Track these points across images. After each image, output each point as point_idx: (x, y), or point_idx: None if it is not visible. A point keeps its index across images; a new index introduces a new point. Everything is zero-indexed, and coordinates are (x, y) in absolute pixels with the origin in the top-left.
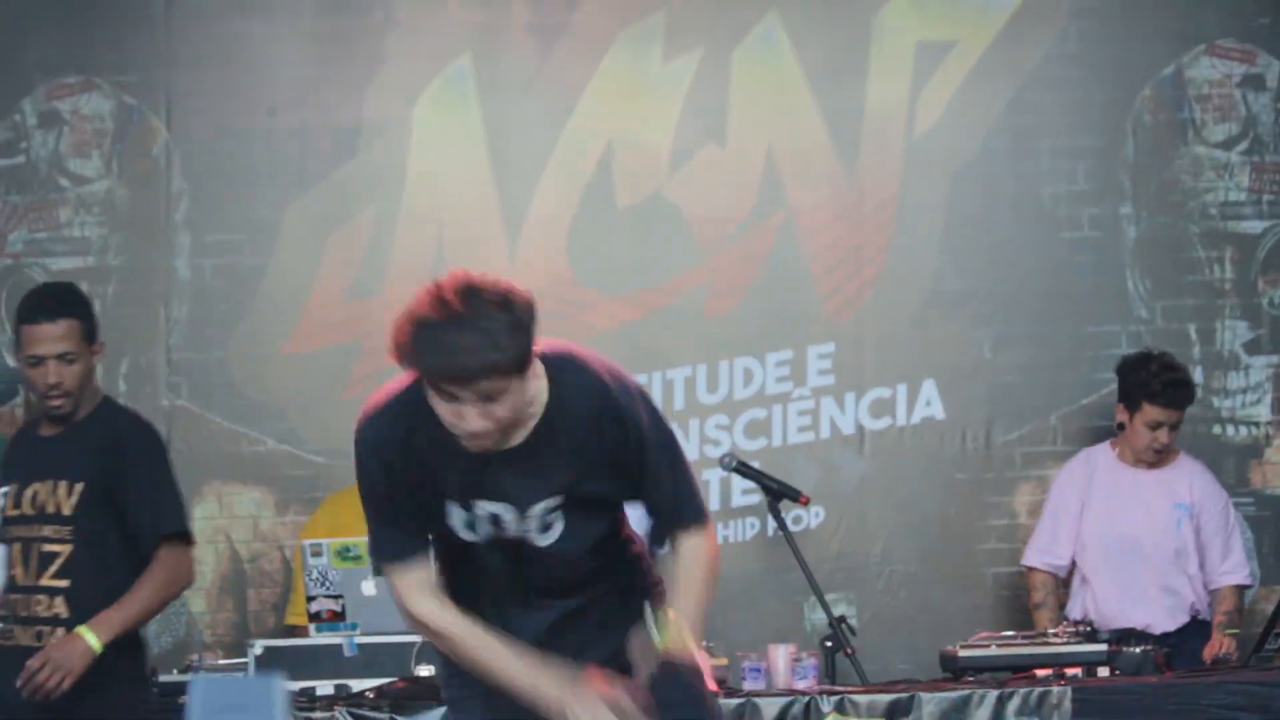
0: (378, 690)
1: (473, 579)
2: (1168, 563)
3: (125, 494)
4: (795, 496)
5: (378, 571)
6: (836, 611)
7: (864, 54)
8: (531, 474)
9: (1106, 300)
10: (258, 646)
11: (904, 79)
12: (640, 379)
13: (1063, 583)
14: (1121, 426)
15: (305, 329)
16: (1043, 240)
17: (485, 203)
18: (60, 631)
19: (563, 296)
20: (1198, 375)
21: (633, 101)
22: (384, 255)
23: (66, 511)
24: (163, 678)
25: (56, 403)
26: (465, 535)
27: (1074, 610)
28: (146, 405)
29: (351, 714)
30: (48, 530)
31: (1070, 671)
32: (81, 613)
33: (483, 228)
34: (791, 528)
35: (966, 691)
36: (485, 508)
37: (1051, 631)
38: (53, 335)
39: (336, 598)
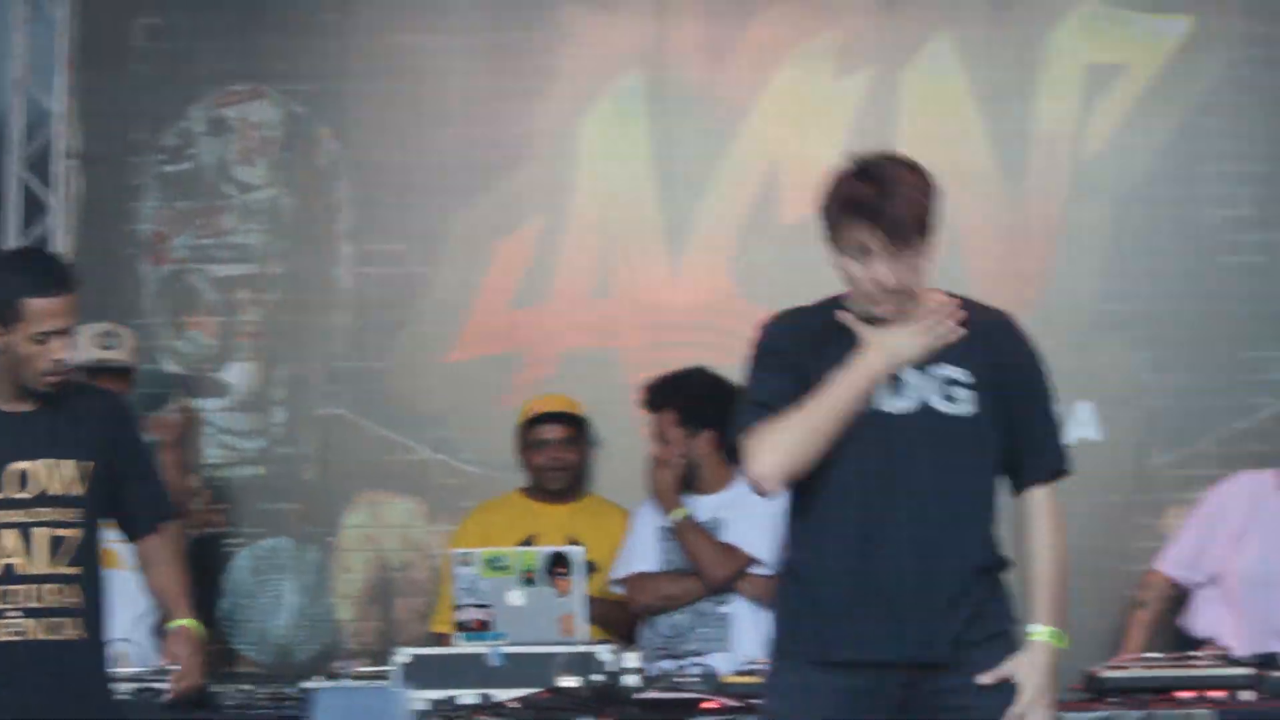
0: (522, 700)
1: None
2: None
3: (131, 475)
4: None
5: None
6: None
7: (1033, 76)
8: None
9: (1266, 326)
10: (404, 654)
11: (1073, 102)
12: None
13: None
14: None
15: (468, 339)
16: (1204, 265)
17: (650, 217)
18: (80, 621)
19: (724, 310)
20: None
21: (801, 119)
22: (548, 267)
23: (77, 492)
24: (307, 685)
25: (56, 379)
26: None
27: (1199, 627)
28: (303, 414)
29: None
30: (53, 513)
31: (1214, 694)
32: (92, 601)
33: (647, 242)
34: None
35: (1109, 712)
36: None
37: (1194, 654)
38: (66, 309)
39: (484, 607)
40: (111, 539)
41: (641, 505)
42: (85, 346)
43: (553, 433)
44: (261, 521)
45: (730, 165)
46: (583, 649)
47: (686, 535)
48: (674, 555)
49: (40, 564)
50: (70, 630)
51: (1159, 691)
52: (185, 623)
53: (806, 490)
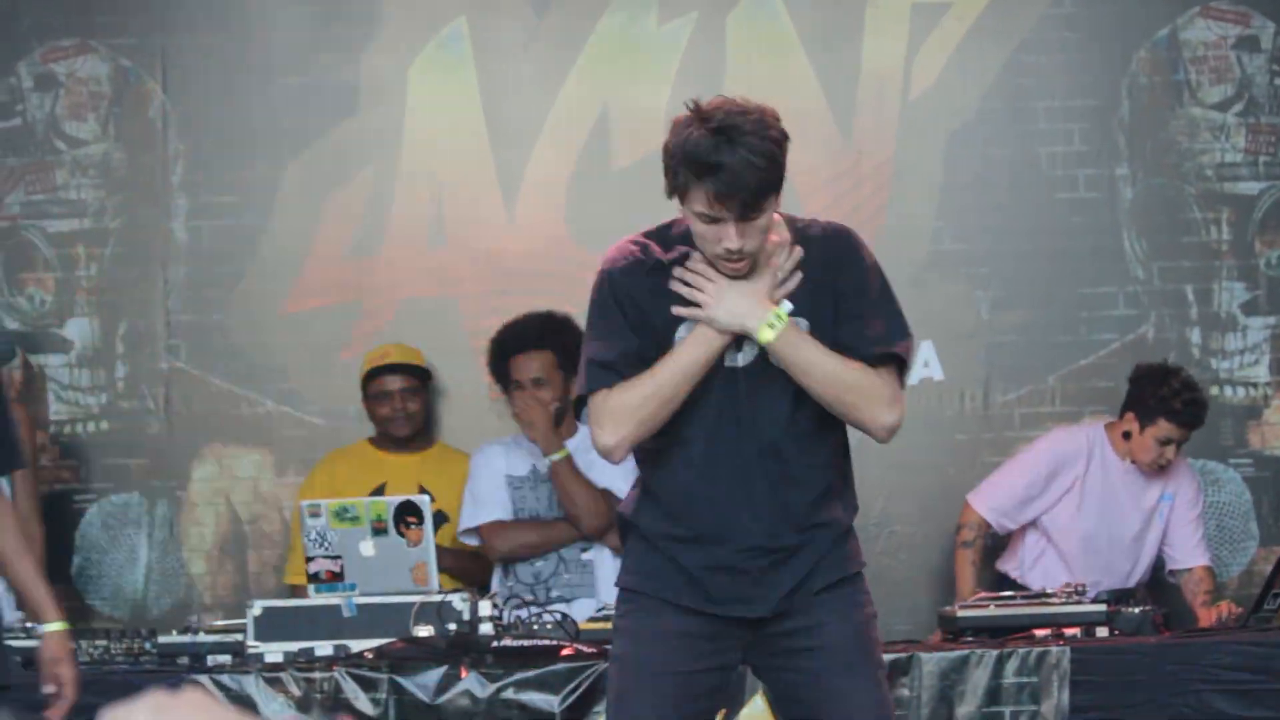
0: (376, 651)
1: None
2: (1144, 552)
3: None
4: None
5: (580, 404)
6: None
7: (859, 15)
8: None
9: (1103, 261)
10: (257, 607)
11: (900, 40)
12: None
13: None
14: (1127, 435)
15: (303, 289)
16: (1039, 201)
17: (482, 163)
18: None
19: (560, 256)
20: (1195, 336)
21: (629, 64)
22: (382, 215)
23: None
24: (162, 639)
25: None
26: None
27: (1033, 580)
28: (145, 368)
29: (350, 674)
30: None
31: (1069, 631)
32: None
33: (480, 188)
34: None
35: (965, 652)
36: None
37: (1050, 591)
38: None
39: (335, 558)
40: None
41: (478, 453)
42: None
43: (395, 383)
44: (110, 477)
45: (560, 111)
46: (437, 598)
47: (565, 477)
48: (523, 502)
49: None
50: None
51: (1014, 630)
52: (61, 626)
53: (653, 443)
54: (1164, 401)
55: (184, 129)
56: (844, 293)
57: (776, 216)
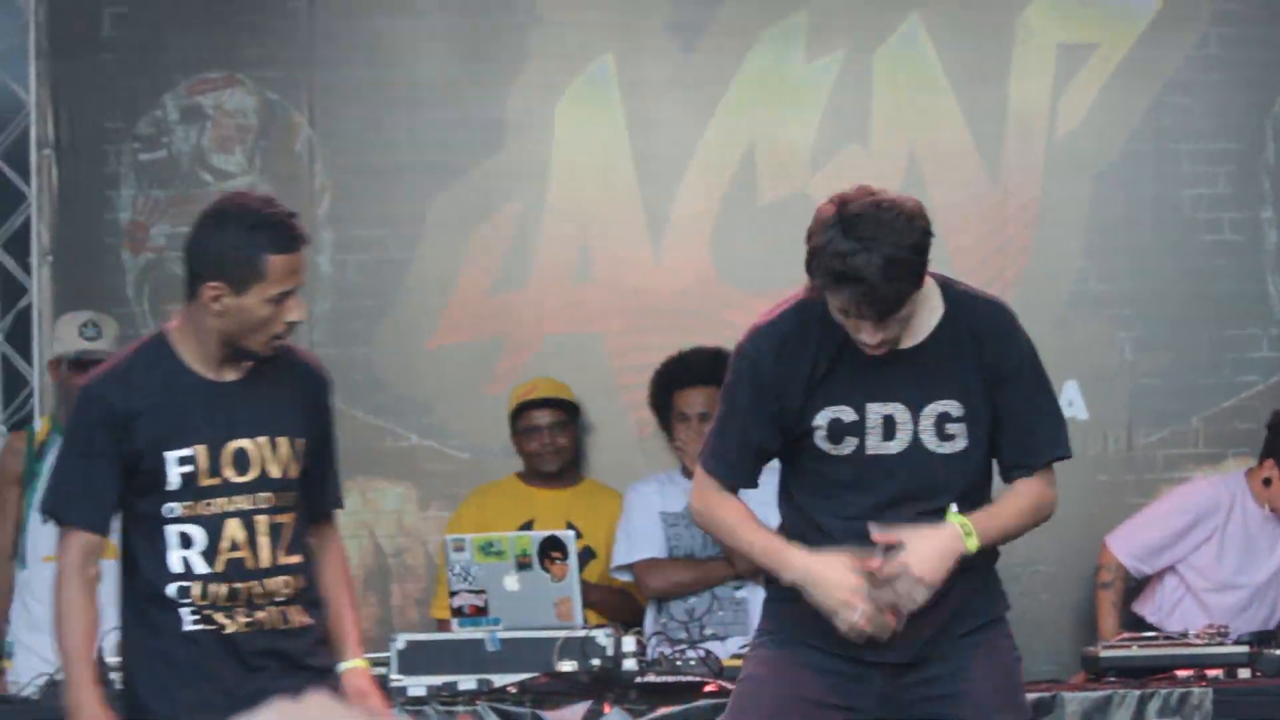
0: (520, 685)
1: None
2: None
3: (326, 453)
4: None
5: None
6: None
7: (1006, 55)
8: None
9: (1247, 304)
10: (400, 641)
11: (1046, 80)
12: None
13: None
14: (1268, 482)
15: (449, 324)
16: (1183, 243)
17: (628, 200)
18: (296, 606)
19: (706, 294)
20: None
21: (775, 101)
22: (527, 251)
23: (294, 474)
24: None
25: (281, 344)
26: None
27: (1172, 622)
28: None
29: (494, 709)
30: (273, 498)
31: (1211, 673)
32: (310, 592)
33: (626, 225)
34: None
35: (1108, 692)
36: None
37: (1192, 633)
38: (303, 264)
39: (479, 592)
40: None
41: (633, 489)
42: (68, 337)
43: (544, 418)
44: None
45: (706, 147)
46: (581, 633)
47: None
48: (678, 539)
49: (265, 557)
50: (291, 614)
51: (1157, 670)
52: (358, 664)
53: (793, 520)
54: None
55: (330, 162)
56: (1000, 376)
57: (930, 281)
